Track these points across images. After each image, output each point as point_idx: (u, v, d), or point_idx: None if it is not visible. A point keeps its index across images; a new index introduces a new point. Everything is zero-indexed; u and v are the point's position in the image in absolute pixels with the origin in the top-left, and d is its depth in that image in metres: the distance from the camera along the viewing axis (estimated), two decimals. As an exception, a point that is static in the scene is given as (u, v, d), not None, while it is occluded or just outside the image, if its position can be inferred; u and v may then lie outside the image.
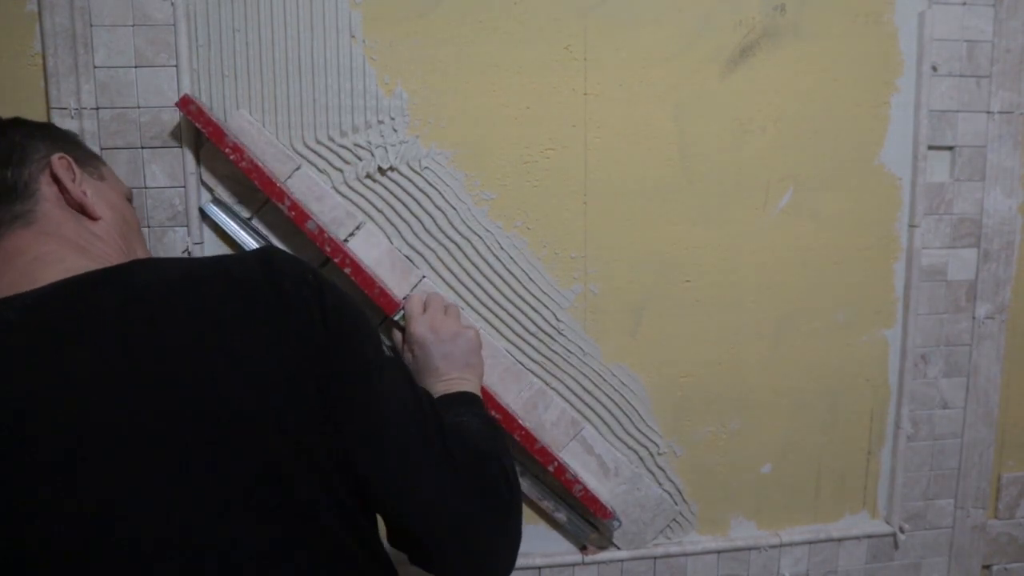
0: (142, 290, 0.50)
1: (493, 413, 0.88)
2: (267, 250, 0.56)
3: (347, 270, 0.85)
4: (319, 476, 0.52)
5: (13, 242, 0.55)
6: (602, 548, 0.99)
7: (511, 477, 0.64)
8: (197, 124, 0.81)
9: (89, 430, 0.46)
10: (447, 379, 0.78)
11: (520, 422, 0.90)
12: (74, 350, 0.47)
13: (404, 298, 0.87)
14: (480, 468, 0.61)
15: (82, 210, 0.60)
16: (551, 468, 0.92)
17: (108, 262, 0.56)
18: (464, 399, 0.76)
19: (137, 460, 0.46)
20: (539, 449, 0.91)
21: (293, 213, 0.83)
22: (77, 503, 0.45)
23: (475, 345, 0.83)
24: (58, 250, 0.55)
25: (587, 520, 0.97)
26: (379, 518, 0.60)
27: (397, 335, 0.87)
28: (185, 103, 0.81)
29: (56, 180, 0.59)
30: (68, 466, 0.45)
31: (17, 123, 0.63)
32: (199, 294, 0.51)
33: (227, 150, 0.82)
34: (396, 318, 0.86)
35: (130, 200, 0.70)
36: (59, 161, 0.60)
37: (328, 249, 0.84)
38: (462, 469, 0.59)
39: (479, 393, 0.80)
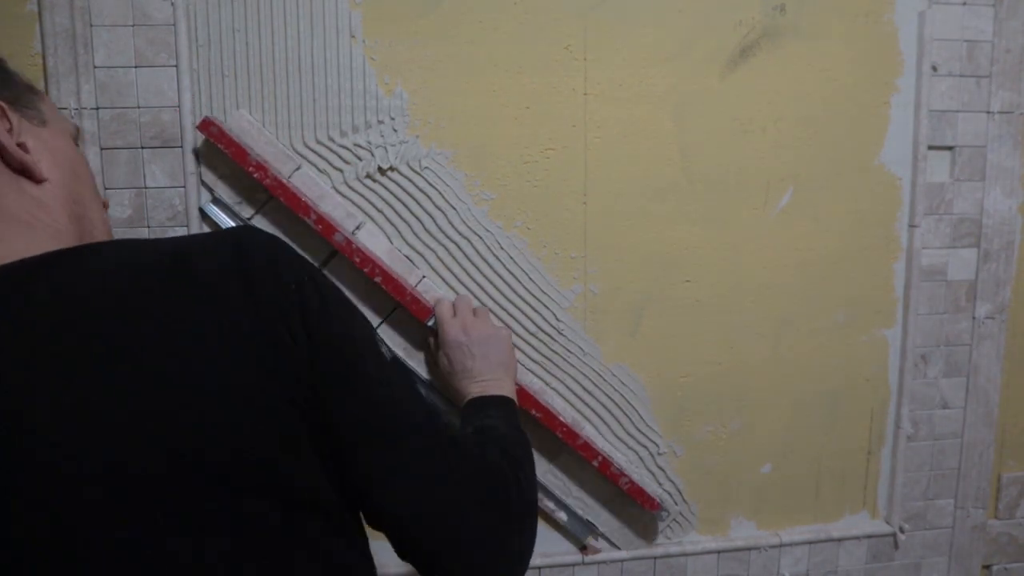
0: (85, 284, 0.43)
1: (534, 412, 0.89)
2: (239, 235, 0.47)
3: (378, 279, 0.85)
4: (303, 503, 0.47)
5: None
6: (660, 539, 0.99)
7: (525, 487, 0.60)
8: (220, 145, 0.81)
9: (27, 443, 0.40)
10: (482, 381, 0.79)
11: (560, 419, 0.91)
12: (6, 354, 0.41)
13: (415, 287, 0.88)
14: (496, 476, 0.57)
15: (23, 171, 0.49)
16: (595, 463, 0.92)
17: (58, 238, 0.49)
18: (497, 402, 0.76)
19: (64, 494, 0.40)
20: (582, 444, 0.92)
21: (320, 227, 0.84)
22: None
23: (508, 345, 0.84)
24: None
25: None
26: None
27: (430, 340, 0.88)
28: (206, 125, 0.81)
29: None
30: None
31: None
32: (151, 292, 0.43)
33: (251, 169, 0.82)
34: (429, 324, 0.87)
35: (77, 141, 0.58)
36: None
37: (357, 260, 0.85)
38: (475, 477, 0.54)
39: (513, 394, 0.80)
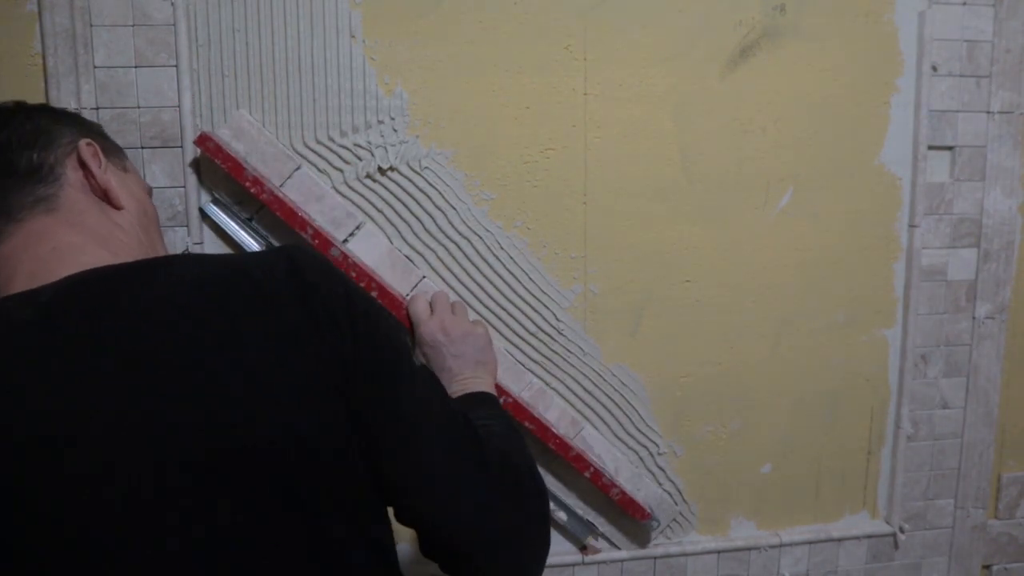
0: (159, 292, 0.48)
1: (527, 424, 0.90)
2: (291, 252, 0.53)
3: (374, 292, 0.85)
4: (346, 505, 0.50)
5: (35, 227, 0.53)
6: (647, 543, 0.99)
7: (539, 481, 0.62)
8: (216, 160, 0.82)
9: (98, 444, 0.44)
10: (461, 379, 0.78)
11: (554, 431, 0.91)
12: (87, 355, 0.45)
13: (407, 297, 0.88)
14: (515, 476, 0.59)
15: (106, 198, 0.58)
16: (587, 474, 0.93)
17: (128, 255, 0.54)
18: (480, 399, 0.75)
19: (142, 488, 0.44)
20: (575, 456, 0.92)
21: (316, 241, 0.84)
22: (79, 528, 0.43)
23: (486, 342, 0.83)
24: (79, 240, 0.54)
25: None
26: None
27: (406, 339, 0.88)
28: (203, 140, 0.82)
29: (83, 165, 0.58)
30: (85, 480, 0.43)
31: (44, 108, 0.62)
32: (218, 300, 0.48)
33: (247, 184, 0.82)
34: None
35: (150, 196, 0.69)
36: (87, 147, 0.58)
37: (354, 274, 0.85)
38: (500, 479, 0.57)
39: (493, 391, 0.80)
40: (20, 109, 0.60)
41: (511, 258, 0.92)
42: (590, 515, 0.97)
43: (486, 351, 0.83)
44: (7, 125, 0.57)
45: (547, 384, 0.95)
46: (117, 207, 0.59)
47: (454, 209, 0.90)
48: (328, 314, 0.50)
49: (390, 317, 0.58)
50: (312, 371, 0.49)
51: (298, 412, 0.48)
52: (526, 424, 0.90)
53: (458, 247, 0.90)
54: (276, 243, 0.87)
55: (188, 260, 0.53)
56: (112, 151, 0.63)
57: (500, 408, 0.76)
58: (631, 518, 0.95)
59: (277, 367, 0.48)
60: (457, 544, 0.55)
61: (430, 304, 0.86)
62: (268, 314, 0.48)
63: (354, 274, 0.85)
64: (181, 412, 0.45)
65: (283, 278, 0.50)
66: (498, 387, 0.86)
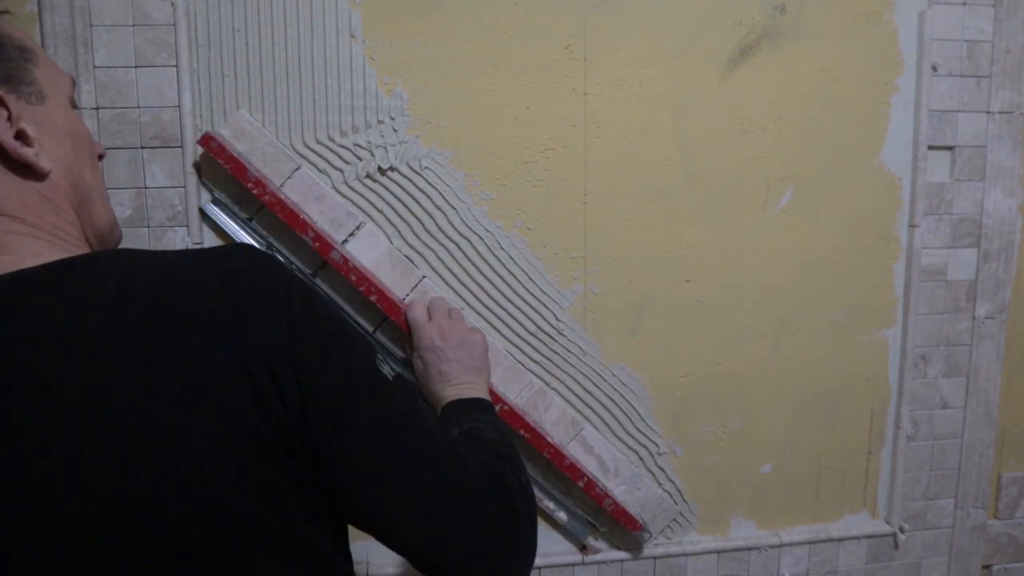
0: (71, 309, 0.41)
1: (522, 432, 0.90)
2: (231, 261, 0.45)
3: (373, 297, 0.86)
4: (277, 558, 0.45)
5: None
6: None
7: (527, 488, 0.60)
8: (219, 160, 0.82)
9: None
10: (457, 384, 0.78)
11: (548, 439, 0.92)
12: None
13: (406, 302, 0.88)
14: (497, 486, 0.56)
15: (26, 167, 0.46)
16: (581, 484, 0.93)
17: (63, 241, 0.47)
18: (476, 405, 0.75)
19: (15, 552, 0.38)
20: (568, 466, 0.92)
21: (317, 244, 0.84)
22: None
23: (483, 349, 0.83)
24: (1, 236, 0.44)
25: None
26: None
27: (404, 345, 0.88)
28: (207, 140, 0.82)
29: None
30: None
31: None
32: (136, 323, 0.41)
33: (250, 185, 0.82)
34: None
35: (73, 97, 0.54)
36: None
37: (354, 278, 0.85)
38: (480, 491, 0.54)
39: (488, 397, 0.80)
40: None
41: (511, 258, 0.92)
42: (590, 515, 0.97)
43: (483, 358, 0.83)
44: None
45: (547, 384, 0.95)
46: (41, 176, 0.46)
47: (454, 209, 0.90)
48: (264, 351, 0.43)
49: (347, 335, 0.49)
50: (235, 429, 0.41)
51: (217, 473, 0.41)
52: (521, 432, 0.90)
53: (458, 247, 0.90)
54: (276, 243, 0.87)
55: (118, 263, 0.44)
56: (19, 78, 0.47)
57: (494, 414, 0.76)
58: (630, 518, 0.95)
59: (194, 416, 0.41)
60: (439, 559, 0.51)
61: (428, 309, 0.86)
62: (191, 343, 0.41)
63: (354, 278, 0.85)
64: (75, 452, 0.38)
65: (215, 295, 0.43)
66: (493, 394, 0.86)
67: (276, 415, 0.43)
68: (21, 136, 0.46)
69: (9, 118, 0.45)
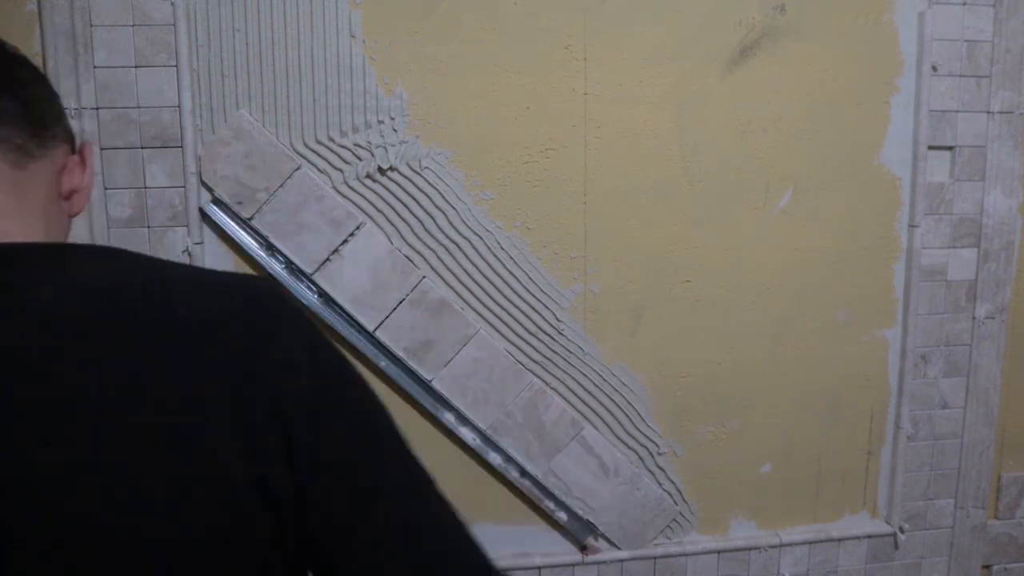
0: (48, 305, 0.35)
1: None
2: (238, 292, 0.39)
3: None
4: None
5: None
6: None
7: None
8: None
9: None
10: None
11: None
12: None
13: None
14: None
15: (69, 201, 0.47)
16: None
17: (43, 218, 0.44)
18: None
19: None
20: None
21: None
22: None
23: None
24: (12, 207, 0.41)
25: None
26: None
27: None
28: None
29: (82, 162, 0.47)
30: None
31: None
32: (120, 337, 0.35)
33: None
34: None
35: None
36: (89, 147, 0.48)
37: None
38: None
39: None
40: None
41: (511, 258, 0.92)
42: (590, 515, 0.97)
43: None
44: (25, 64, 0.46)
45: (547, 384, 0.95)
46: (72, 213, 0.48)
47: (454, 209, 0.90)
48: (282, 388, 0.37)
49: (363, 401, 0.42)
50: (241, 468, 0.35)
51: (212, 517, 0.35)
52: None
53: (458, 247, 0.91)
54: (276, 243, 0.87)
55: (106, 261, 0.40)
56: (68, 130, 0.50)
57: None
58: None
59: (194, 450, 0.35)
60: None
61: None
62: (180, 375, 0.35)
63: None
64: (29, 489, 0.32)
65: (213, 325, 0.37)
66: None
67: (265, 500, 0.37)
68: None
69: (84, 172, 0.48)
